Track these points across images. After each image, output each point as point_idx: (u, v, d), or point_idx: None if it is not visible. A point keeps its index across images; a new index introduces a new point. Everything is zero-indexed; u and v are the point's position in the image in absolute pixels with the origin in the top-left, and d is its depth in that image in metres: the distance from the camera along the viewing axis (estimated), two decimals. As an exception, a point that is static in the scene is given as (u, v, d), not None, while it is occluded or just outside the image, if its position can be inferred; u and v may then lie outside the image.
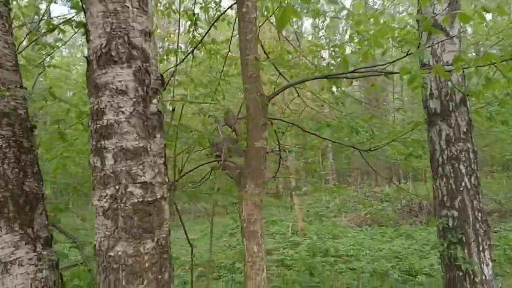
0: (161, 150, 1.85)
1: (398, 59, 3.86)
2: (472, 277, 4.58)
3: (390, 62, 3.98)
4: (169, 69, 6.95)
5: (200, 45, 7.04)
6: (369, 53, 3.92)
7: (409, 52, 3.65)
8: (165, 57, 7.58)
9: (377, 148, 5.79)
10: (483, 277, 4.58)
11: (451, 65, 3.84)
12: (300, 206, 15.56)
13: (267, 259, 10.62)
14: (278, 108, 8.53)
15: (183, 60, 6.56)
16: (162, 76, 1.93)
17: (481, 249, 4.62)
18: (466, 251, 4.63)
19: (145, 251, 1.74)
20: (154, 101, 1.85)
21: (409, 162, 5.68)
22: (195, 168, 4.87)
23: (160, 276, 1.78)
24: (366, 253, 10.91)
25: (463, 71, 4.86)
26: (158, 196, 1.81)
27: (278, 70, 5.79)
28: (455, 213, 4.72)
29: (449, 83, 4.76)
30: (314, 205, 21.25)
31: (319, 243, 12.11)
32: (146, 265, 1.74)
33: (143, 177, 1.76)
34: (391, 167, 25.78)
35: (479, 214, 4.69)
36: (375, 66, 4.34)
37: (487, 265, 4.63)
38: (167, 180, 1.88)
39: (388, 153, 8.33)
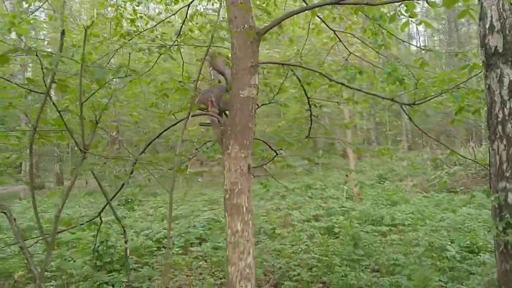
0: None
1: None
2: (536, 271, 3.44)
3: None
4: (177, 11, 6.09)
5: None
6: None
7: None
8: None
9: (423, 102, 4.64)
10: (552, 272, 3.43)
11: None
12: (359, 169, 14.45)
13: (313, 226, 9.78)
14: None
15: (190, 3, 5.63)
16: None
17: (550, 235, 3.44)
18: (529, 236, 3.48)
19: None
20: None
21: (461, 119, 4.47)
22: (167, 129, 4.01)
23: None
24: (425, 223, 9.71)
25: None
26: None
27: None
28: (517, 186, 3.56)
29: (516, 11, 3.49)
30: (380, 168, 19.97)
31: (374, 209, 11.03)
32: None
33: None
34: (471, 127, 23.66)
35: (551, 189, 3.49)
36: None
37: (559, 257, 3.46)
38: None
39: (449, 109, 7.01)
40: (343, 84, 4.71)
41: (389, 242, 8.43)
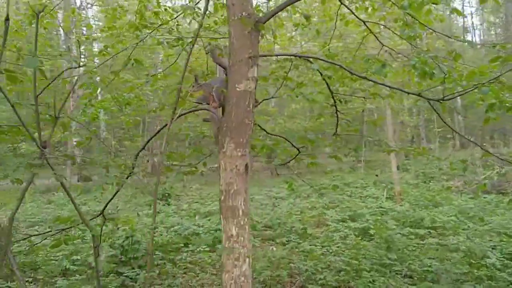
0: None
1: None
2: None
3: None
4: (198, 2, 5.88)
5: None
6: None
7: None
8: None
9: (452, 97, 4.25)
10: None
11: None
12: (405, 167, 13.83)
13: (348, 226, 9.39)
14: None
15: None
16: None
17: None
18: None
19: None
20: None
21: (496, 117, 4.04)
22: (162, 128, 3.79)
23: None
24: (468, 227, 9.14)
25: None
26: None
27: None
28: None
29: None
30: (427, 166, 19.16)
31: (414, 210, 10.52)
32: None
33: None
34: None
35: None
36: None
37: None
38: None
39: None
40: (365, 78, 4.37)
41: (426, 246, 7.97)
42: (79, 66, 2.92)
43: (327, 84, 5.10)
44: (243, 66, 2.97)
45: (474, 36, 40.44)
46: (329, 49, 6.31)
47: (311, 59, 4.67)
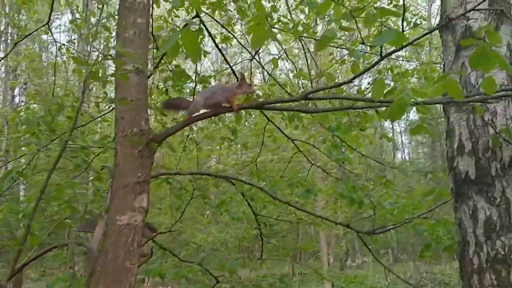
0: None
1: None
2: None
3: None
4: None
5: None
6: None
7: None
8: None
9: (384, 231, 3.80)
10: None
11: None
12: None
13: None
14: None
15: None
16: None
17: None
18: None
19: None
20: None
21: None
22: None
23: None
24: None
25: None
26: None
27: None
28: None
29: (490, 129, 2.76)
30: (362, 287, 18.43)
31: None
32: None
33: None
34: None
35: None
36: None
37: None
38: None
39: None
40: (288, 204, 3.88)
41: None
42: None
43: (250, 206, 4.58)
44: (128, 193, 2.35)
45: (404, 153, 42.02)
46: (256, 166, 5.90)
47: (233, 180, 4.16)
